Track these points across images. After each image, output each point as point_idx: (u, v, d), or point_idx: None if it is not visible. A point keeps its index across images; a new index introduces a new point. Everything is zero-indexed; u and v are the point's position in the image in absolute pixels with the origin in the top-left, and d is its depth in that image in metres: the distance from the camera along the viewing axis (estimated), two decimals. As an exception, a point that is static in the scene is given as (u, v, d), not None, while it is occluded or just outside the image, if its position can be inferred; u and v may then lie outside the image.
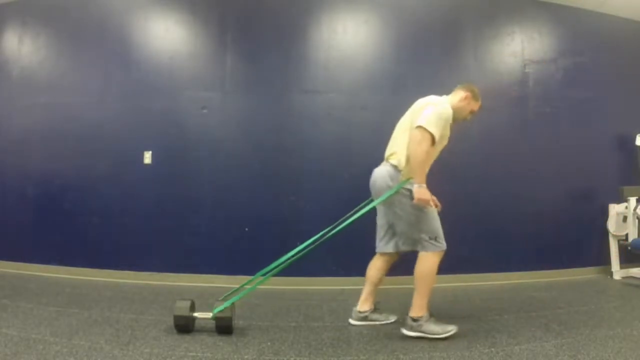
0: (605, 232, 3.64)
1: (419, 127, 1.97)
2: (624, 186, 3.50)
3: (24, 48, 3.57)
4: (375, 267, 2.29)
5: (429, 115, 1.98)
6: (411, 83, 3.45)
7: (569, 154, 3.66)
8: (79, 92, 3.44)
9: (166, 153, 3.33)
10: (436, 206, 2.11)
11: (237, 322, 2.19)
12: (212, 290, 2.84)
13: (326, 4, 3.49)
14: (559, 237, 3.58)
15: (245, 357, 1.78)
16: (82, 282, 3.08)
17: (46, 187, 3.41)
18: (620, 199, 3.52)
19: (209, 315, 2.02)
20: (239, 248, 3.22)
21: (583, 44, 3.81)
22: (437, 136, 1.98)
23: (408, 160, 2.04)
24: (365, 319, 2.25)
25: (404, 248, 2.17)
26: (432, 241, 2.03)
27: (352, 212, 2.33)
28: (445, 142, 2.15)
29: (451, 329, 2.01)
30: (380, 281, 2.30)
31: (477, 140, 3.42)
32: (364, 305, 2.26)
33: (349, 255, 3.23)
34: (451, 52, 3.56)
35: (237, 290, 2.21)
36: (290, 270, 3.09)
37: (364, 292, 2.29)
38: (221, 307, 2.01)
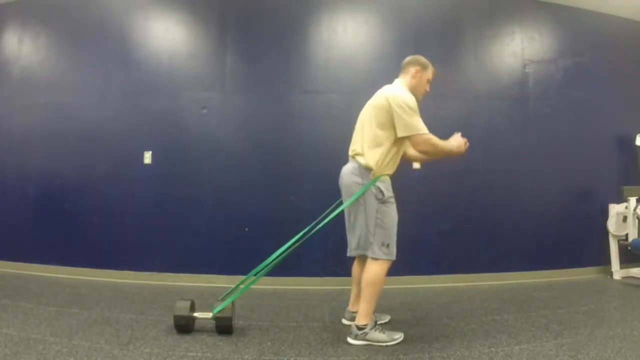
0: (605, 232, 3.64)
1: (414, 136, 1.96)
2: (624, 186, 3.50)
3: (24, 48, 3.57)
4: (358, 268, 2.23)
5: (406, 118, 1.94)
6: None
7: (569, 154, 3.66)
8: (79, 92, 3.44)
9: (166, 153, 3.33)
10: (465, 144, 2.08)
11: (237, 322, 2.19)
12: (212, 290, 2.84)
13: (326, 4, 3.49)
14: (559, 237, 3.58)
15: (245, 357, 1.78)
16: (82, 282, 3.08)
17: (46, 187, 3.41)
18: (620, 199, 3.52)
19: (209, 315, 2.02)
20: (239, 248, 3.22)
21: (583, 44, 3.81)
22: (424, 126, 1.96)
23: (383, 160, 2.01)
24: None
25: (350, 252, 2.13)
26: (384, 248, 1.97)
27: (325, 213, 2.31)
28: None
29: (398, 337, 1.97)
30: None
31: (477, 140, 3.40)
32: (354, 305, 2.22)
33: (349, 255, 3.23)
34: (451, 52, 3.56)
35: (233, 290, 2.20)
36: (290, 270, 3.10)
37: (353, 292, 2.27)
38: (219, 308, 2.01)
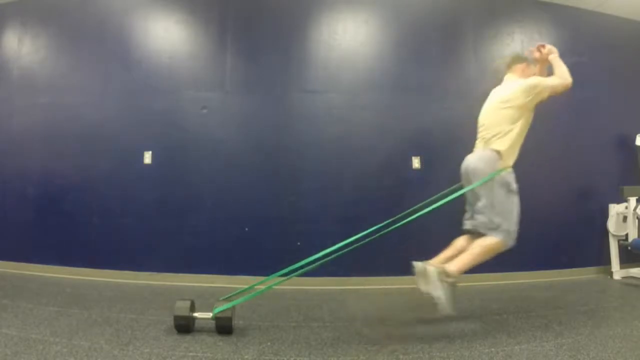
0: (605, 232, 3.64)
1: (553, 87, 2.22)
2: (624, 186, 3.49)
3: (24, 48, 3.57)
4: (464, 241, 2.31)
5: (534, 83, 2.21)
6: (411, 83, 3.46)
7: (569, 154, 3.66)
8: (79, 92, 3.44)
9: (166, 153, 3.32)
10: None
11: (237, 322, 2.19)
12: (212, 290, 2.84)
13: (326, 4, 3.49)
14: (558, 237, 3.57)
15: (245, 357, 1.78)
16: (82, 282, 3.08)
17: (46, 187, 3.41)
18: (620, 199, 3.52)
19: (209, 315, 2.02)
20: (239, 248, 3.22)
21: (583, 44, 3.81)
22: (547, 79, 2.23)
23: (510, 148, 2.21)
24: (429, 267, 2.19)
25: (478, 228, 2.19)
26: (511, 234, 2.11)
27: (438, 195, 2.35)
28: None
29: (450, 311, 1.97)
30: (463, 249, 2.30)
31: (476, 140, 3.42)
32: (436, 261, 2.27)
33: (349, 255, 3.23)
34: (451, 52, 3.56)
35: (246, 290, 2.21)
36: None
37: (443, 254, 2.32)
38: (223, 307, 2.01)
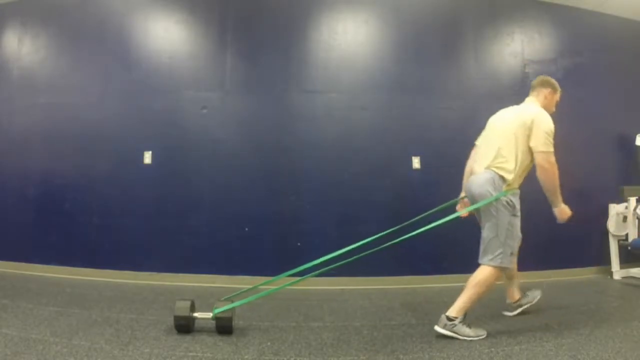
0: (605, 232, 3.64)
1: (542, 152, 2.11)
2: (624, 186, 3.50)
3: (24, 48, 3.57)
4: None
5: (544, 137, 2.12)
6: (411, 83, 3.46)
7: (569, 154, 3.64)
8: (79, 92, 3.44)
9: (166, 153, 3.33)
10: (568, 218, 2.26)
11: (237, 322, 2.19)
12: (212, 290, 2.84)
13: (326, 4, 3.49)
14: (558, 237, 3.57)
15: (245, 357, 1.78)
16: (82, 282, 3.08)
17: (46, 187, 3.41)
18: (620, 199, 3.52)
19: (209, 315, 2.02)
20: (239, 248, 3.22)
21: (583, 44, 3.81)
22: (552, 150, 2.13)
23: (518, 172, 2.14)
24: (519, 307, 2.41)
25: (484, 262, 2.13)
26: (510, 257, 2.09)
27: (425, 214, 2.36)
28: None
29: (483, 334, 2.03)
30: (513, 276, 2.44)
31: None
32: (513, 295, 2.43)
33: (348, 255, 3.23)
34: (451, 52, 3.57)
35: (248, 291, 2.21)
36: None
37: (507, 287, 2.46)
38: (224, 308, 2.01)
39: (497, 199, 2.08)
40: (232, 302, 2.06)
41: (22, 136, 3.49)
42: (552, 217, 3.56)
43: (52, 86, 3.49)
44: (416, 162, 3.36)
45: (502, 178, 2.12)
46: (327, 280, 3.18)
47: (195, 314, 2.06)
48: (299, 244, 3.18)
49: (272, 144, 3.32)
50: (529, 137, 2.13)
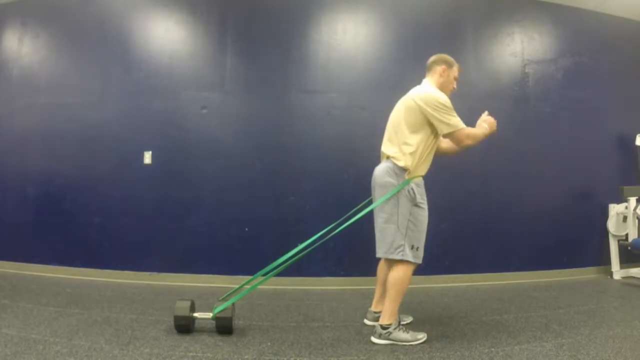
0: (605, 232, 3.64)
1: (451, 133, 2.00)
2: (624, 186, 3.50)
3: (24, 48, 3.57)
4: (384, 268, 2.22)
5: (441, 117, 1.98)
6: (411, 83, 3.45)
7: (569, 154, 3.66)
8: (79, 92, 3.44)
9: (166, 153, 3.32)
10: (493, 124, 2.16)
11: (237, 322, 2.19)
12: (212, 290, 2.84)
13: (326, 4, 3.48)
14: (559, 237, 3.58)
15: (245, 357, 1.78)
16: (82, 282, 3.08)
17: (46, 187, 3.41)
18: (620, 199, 3.52)
19: (209, 315, 2.03)
20: (239, 248, 3.22)
21: (583, 44, 3.81)
22: (460, 121, 2.00)
23: (416, 159, 2.03)
24: (378, 319, 2.20)
25: (380, 254, 2.07)
26: (413, 251, 1.98)
27: (351, 211, 2.33)
28: None
29: (422, 337, 1.99)
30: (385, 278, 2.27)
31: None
32: (378, 305, 2.24)
33: (349, 255, 3.23)
34: (451, 52, 3.54)
35: (237, 290, 2.21)
36: (290, 270, 3.08)
37: (377, 293, 2.29)
38: (221, 307, 2.01)
39: (400, 190, 1.99)
40: (227, 300, 2.06)
41: (22, 136, 3.49)
42: (552, 218, 3.59)
43: (52, 86, 3.49)
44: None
45: (401, 167, 2.02)
46: (327, 280, 3.19)
47: (195, 314, 2.06)
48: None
49: (272, 144, 3.31)
50: (422, 120, 2.00)
